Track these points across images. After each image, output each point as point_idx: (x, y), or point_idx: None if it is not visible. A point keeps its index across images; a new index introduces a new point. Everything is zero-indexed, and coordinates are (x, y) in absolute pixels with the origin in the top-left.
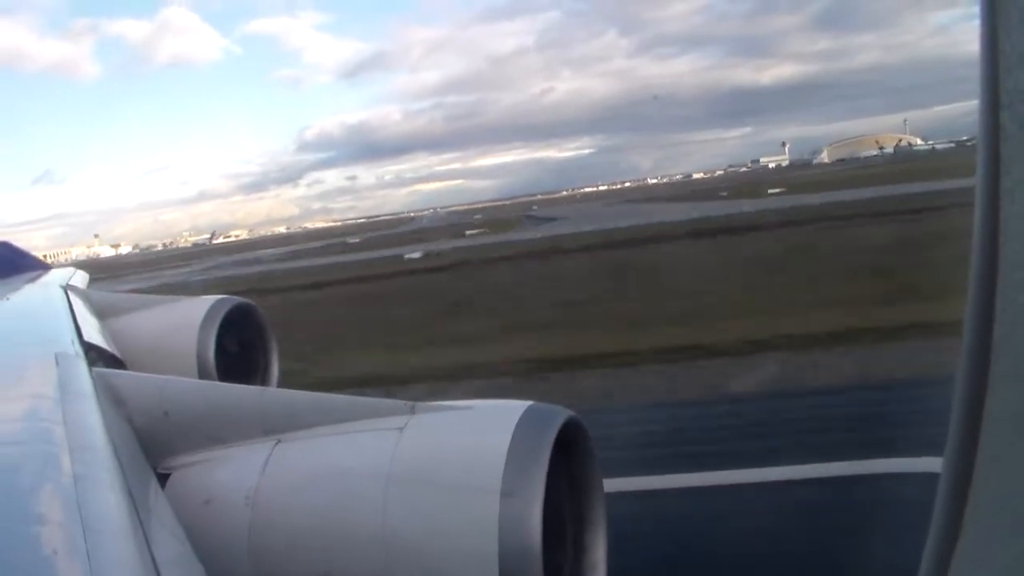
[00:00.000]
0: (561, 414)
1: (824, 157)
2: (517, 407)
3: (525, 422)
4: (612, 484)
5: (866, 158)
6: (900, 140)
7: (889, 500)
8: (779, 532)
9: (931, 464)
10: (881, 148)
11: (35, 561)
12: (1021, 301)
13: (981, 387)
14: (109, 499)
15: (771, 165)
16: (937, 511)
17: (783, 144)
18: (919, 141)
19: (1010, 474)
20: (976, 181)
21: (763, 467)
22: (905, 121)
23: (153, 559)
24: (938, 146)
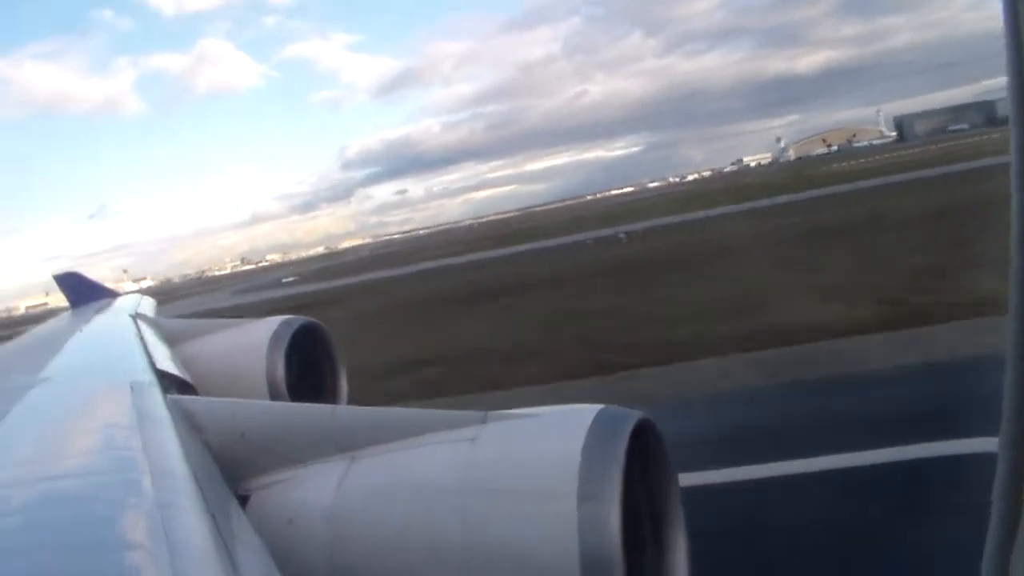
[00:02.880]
0: (633, 416)
1: (791, 154)
2: (588, 411)
3: (597, 425)
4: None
5: (818, 156)
6: (853, 135)
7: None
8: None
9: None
10: (829, 146)
11: None
12: None
13: None
14: (193, 523)
15: (752, 164)
16: (996, 494)
17: (778, 139)
18: (882, 134)
19: None
20: (1012, 163)
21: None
22: (879, 111)
23: None
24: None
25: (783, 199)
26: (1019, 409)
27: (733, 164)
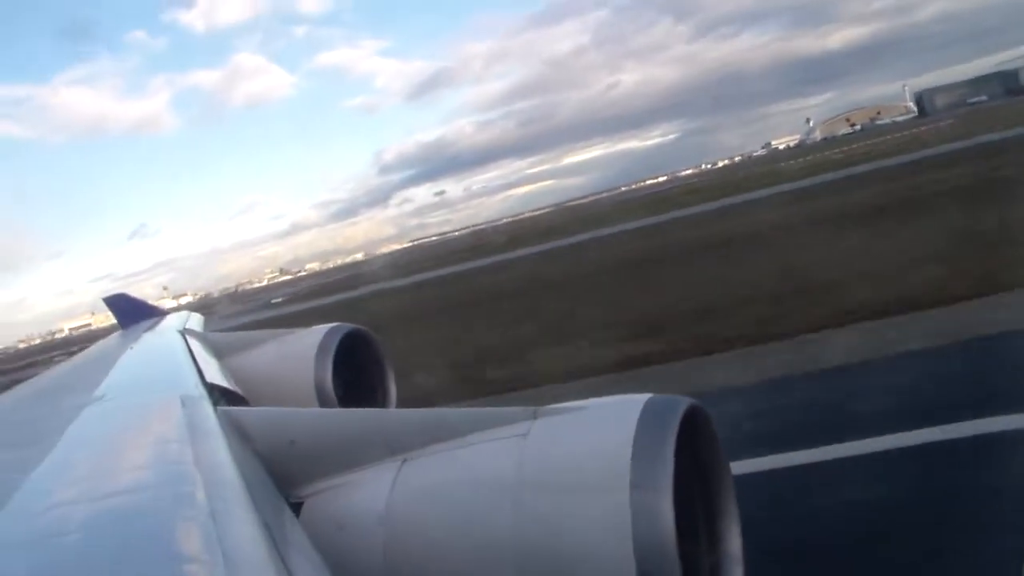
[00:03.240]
0: (682, 403)
1: (818, 135)
2: (637, 400)
3: (647, 414)
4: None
5: (843, 135)
6: (878, 113)
7: None
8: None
9: None
10: (852, 125)
11: None
12: None
13: None
14: (246, 532)
15: (781, 147)
16: None
17: (807, 120)
18: (907, 110)
19: None
20: None
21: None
22: (904, 87)
23: None
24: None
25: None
26: None
27: (763, 148)
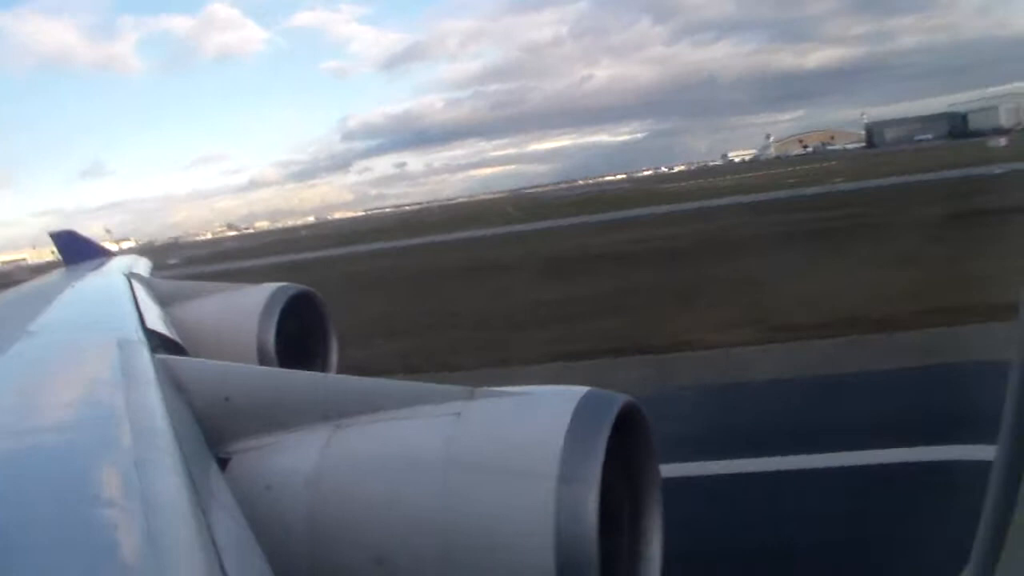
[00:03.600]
0: (619, 400)
1: (772, 152)
2: (575, 393)
3: (583, 408)
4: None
5: (795, 155)
6: (832, 138)
7: None
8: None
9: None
10: (805, 147)
11: (97, 543)
12: None
13: None
14: (171, 483)
15: (737, 159)
16: (991, 492)
17: (767, 136)
18: (861, 138)
19: None
20: None
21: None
22: (863, 114)
23: (214, 542)
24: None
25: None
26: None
27: (720, 159)
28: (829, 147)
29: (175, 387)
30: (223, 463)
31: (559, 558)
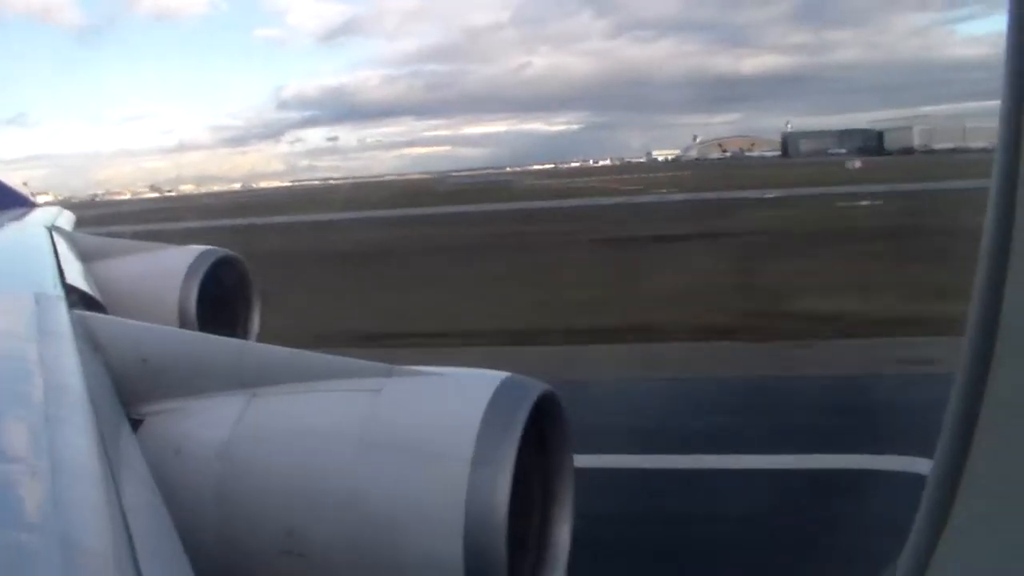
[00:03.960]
0: (537, 387)
1: (694, 153)
2: (494, 377)
3: (501, 393)
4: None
5: (713, 159)
6: (752, 145)
7: None
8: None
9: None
10: (724, 151)
11: (1, 500)
12: None
13: (983, 371)
14: (80, 442)
15: (660, 158)
16: (927, 495)
17: (694, 137)
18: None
19: (1006, 458)
20: (994, 164)
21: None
22: (787, 124)
23: (120, 504)
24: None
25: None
26: (960, 428)
27: (644, 157)
28: (747, 153)
29: (92, 345)
30: (136, 424)
31: (468, 541)
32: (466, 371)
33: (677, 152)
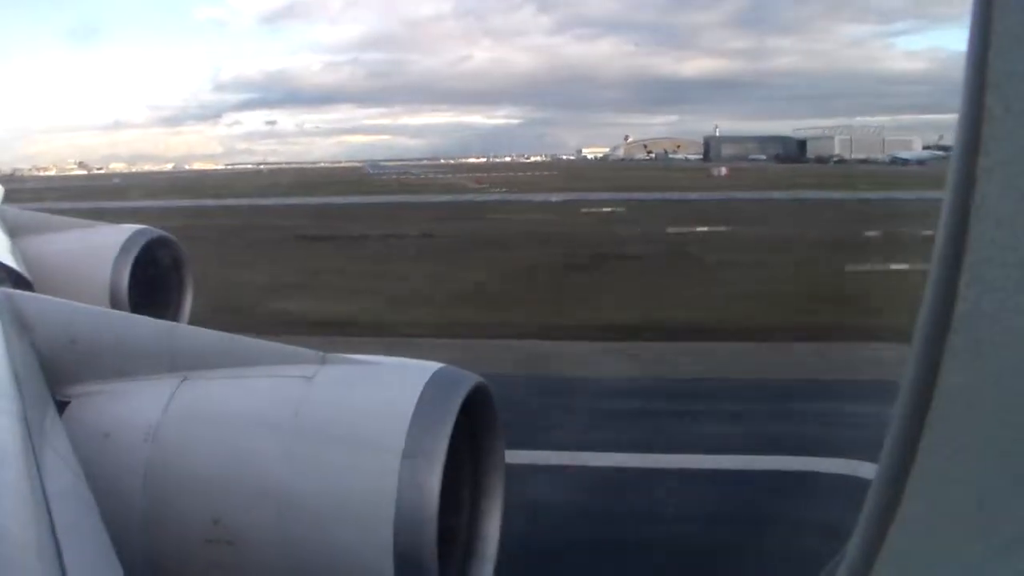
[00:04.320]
0: (469, 380)
1: (621, 153)
2: (427, 368)
3: (433, 384)
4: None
5: (638, 160)
6: (677, 147)
7: None
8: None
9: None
10: (649, 153)
11: None
12: (989, 277)
13: (935, 363)
14: (3, 424)
15: (590, 156)
16: (872, 493)
17: (626, 137)
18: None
19: (957, 451)
20: (951, 159)
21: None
22: (716, 127)
23: (44, 488)
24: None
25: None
26: (913, 397)
27: (574, 155)
28: (672, 155)
29: (18, 324)
30: (62, 406)
31: (398, 532)
32: (399, 361)
33: (606, 151)
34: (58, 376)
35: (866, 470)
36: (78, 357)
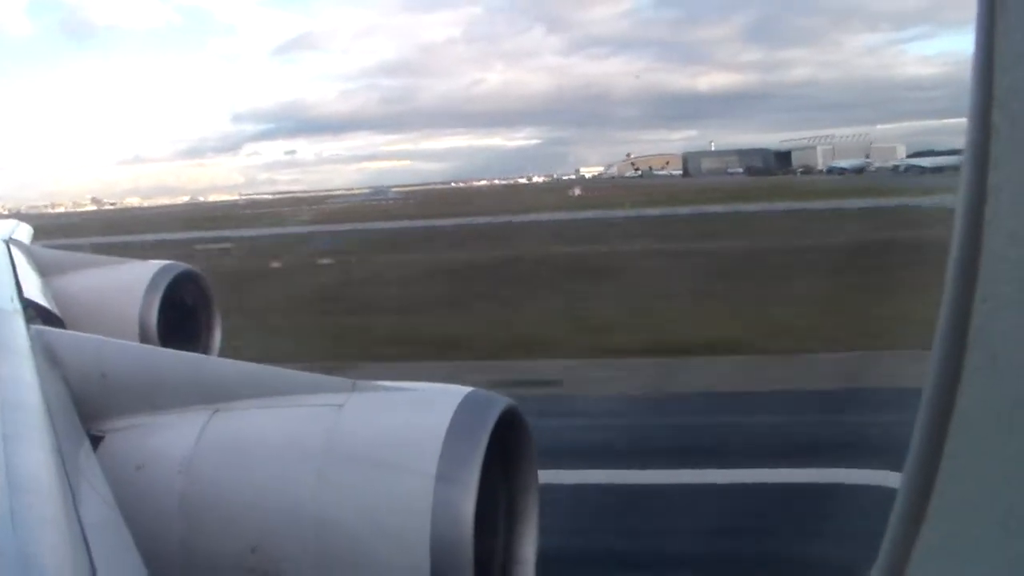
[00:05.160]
0: (500, 402)
1: (615, 171)
2: (457, 392)
3: (464, 408)
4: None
5: (628, 177)
6: (667, 163)
7: None
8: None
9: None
10: (636, 169)
11: None
12: (1002, 293)
13: (953, 381)
14: (38, 458)
15: (587, 175)
16: (898, 506)
17: (627, 155)
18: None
19: (977, 467)
20: (961, 176)
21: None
22: (711, 143)
23: (80, 522)
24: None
25: None
26: (933, 414)
27: (573, 174)
28: (656, 172)
29: (50, 360)
30: (96, 441)
31: (434, 557)
32: (429, 386)
33: (601, 169)
34: (90, 411)
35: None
36: (110, 391)
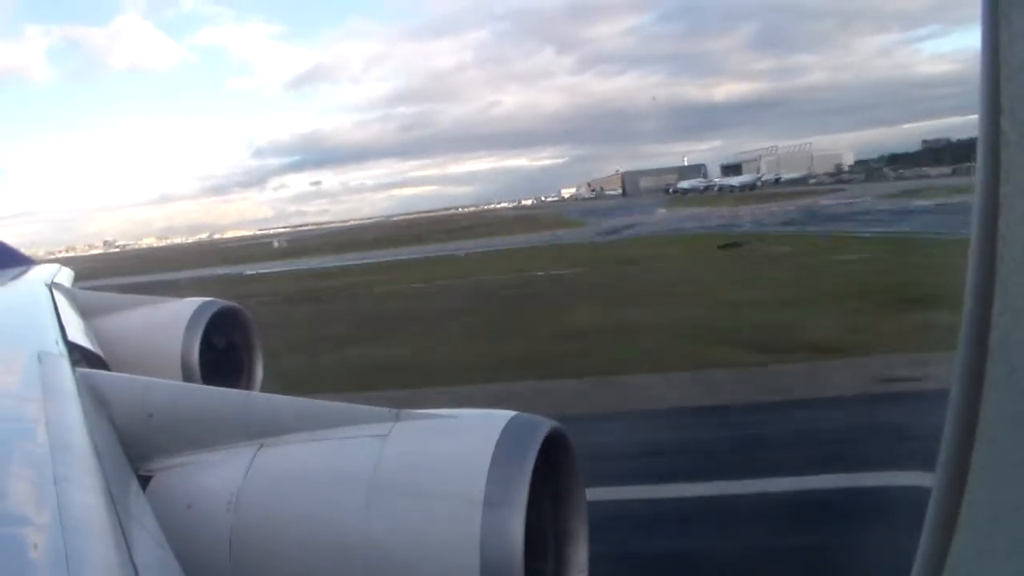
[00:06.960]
0: (545, 424)
1: (585, 191)
2: (501, 417)
3: (509, 432)
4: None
5: (585, 198)
6: (621, 184)
7: None
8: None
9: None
10: (592, 190)
11: (13, 562)
12: (1020, 305)
13: (976, 392)
14: (89, 501)
15: (567, 195)
16: (930, 516)
17: (616, 171)
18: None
19: (1005, 476)
20: (975, 187)
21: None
22: (683, 157)
23: (133, 562)
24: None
25: None
26: (958, 427)
27: (554, 195)
28: (607, 191)
29: (97, 402)
30: (144, 481)
31: None
32: (473, 412)
33: (574, 190)
34: (138, 451)
35: None
36: (156, 431)
